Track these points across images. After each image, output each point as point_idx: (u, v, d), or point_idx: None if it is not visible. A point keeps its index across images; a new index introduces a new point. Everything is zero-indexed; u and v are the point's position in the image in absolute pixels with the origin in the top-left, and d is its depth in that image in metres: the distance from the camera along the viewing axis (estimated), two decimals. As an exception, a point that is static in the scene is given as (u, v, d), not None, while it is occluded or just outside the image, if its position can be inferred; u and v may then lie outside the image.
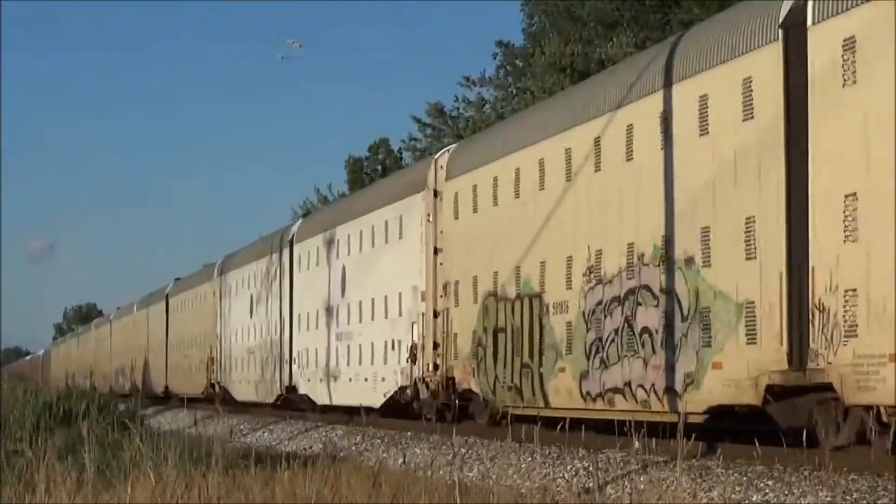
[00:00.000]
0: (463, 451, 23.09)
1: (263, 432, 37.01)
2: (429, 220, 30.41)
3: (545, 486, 18.13)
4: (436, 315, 30.01)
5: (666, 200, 20.23)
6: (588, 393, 22.52)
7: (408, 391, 31.02)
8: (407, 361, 31.01)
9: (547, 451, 21.32)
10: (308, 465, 15.40)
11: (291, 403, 42.35)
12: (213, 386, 53.71)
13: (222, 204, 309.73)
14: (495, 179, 26.93)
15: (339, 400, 37.00)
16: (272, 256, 45.62)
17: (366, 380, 34.49)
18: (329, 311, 38.40)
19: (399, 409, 31.75)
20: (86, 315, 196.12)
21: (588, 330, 22.58)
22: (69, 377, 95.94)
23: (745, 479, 16.54)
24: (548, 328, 24.13)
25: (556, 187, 24.21)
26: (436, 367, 29.76)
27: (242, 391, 49.31)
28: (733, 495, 16.03)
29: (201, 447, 16.06)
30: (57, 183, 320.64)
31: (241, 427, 38.96)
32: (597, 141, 22.60)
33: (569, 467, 20.17)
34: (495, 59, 60.38)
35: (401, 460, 22.48)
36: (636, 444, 18.73)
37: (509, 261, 25.97)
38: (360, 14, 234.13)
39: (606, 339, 21.95)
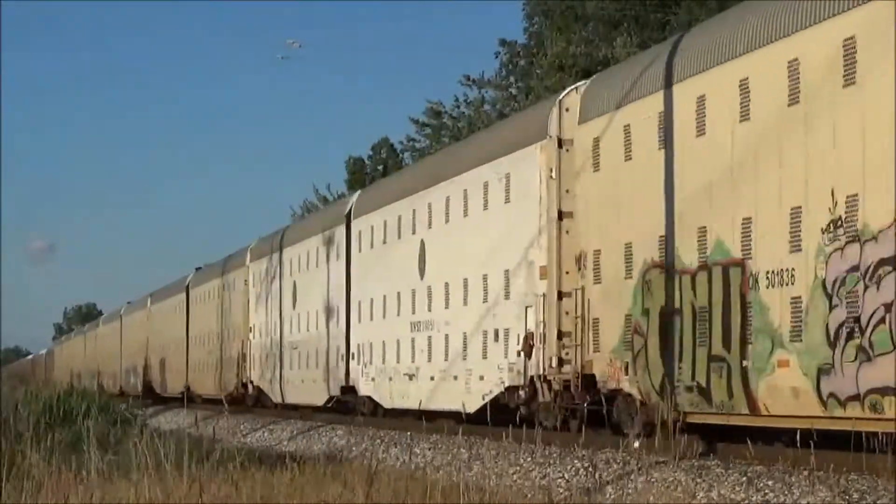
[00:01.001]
0: (463, 451, 23.08)
1: (263, 432, 37.00)
2: (551, 177, 24.07)
3: (545, 486, 18.15)
4: (561, 296, 23.82)
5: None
6: (833, 395, 16.67)
7: (520, 392, 25.13)
8: (518, 355, 24.94)
9: (547, 451, 21.33)
10: (308, 466, 15.42)
11: (347, 406, 36.96)
12: (244, 386, 48.62)
13: (222, 204, 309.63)
14: (660, 115, 20.77)
15: (415, 402, 29.94)
16: (323, 235, 39.77)
17: (455, 378, 28.48)
18: (401, 296, 32.38)
19: (503, 414, 25.31)
20: (86, 315, 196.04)
21: (833, 307, 16.68)
22: (74, 377, 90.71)
23: (744, 479, 16.55)
24: (757, 307, 18.17)
25: (771, 113, 18.06)
26: (561, 361, 23.65)
27: (285, 392, 43.39)
28: (733, 495, 16.05)
29: (202, 447, 16.09)
30: (58, 183, 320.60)
31: (242, 427, 38.96)
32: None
33: (569, 467, 20.17)
34: (497, 57, 60.39)
35: (401, 460, 22.51)
36: (636, 444, 18.76)
37: (687, 219, 19.94)
38: (361, 13, 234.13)
39: (869, 320, 16.08)
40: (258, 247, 48.79)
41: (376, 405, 34.45)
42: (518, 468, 20.51)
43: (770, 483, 16.10)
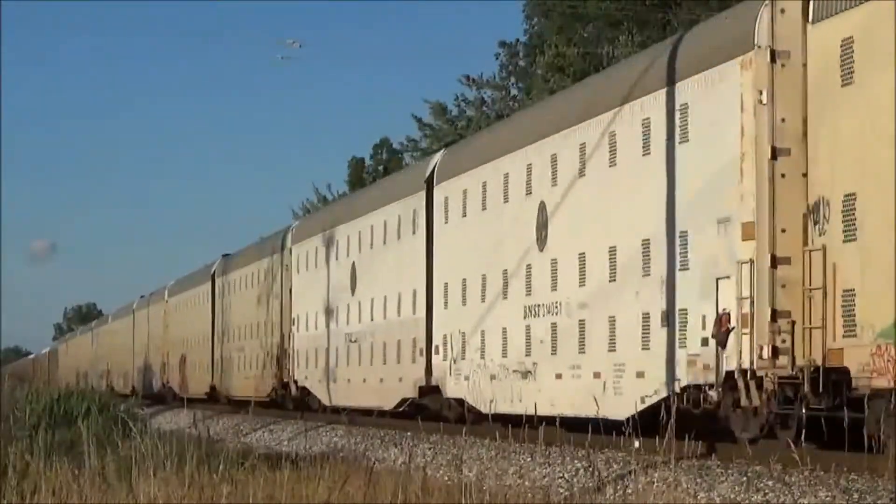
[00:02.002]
0: (463, 451, 23.05)
1: (263, 432, 36.97)
2: (760, 103, 18.34)
3: (545, 486, 18.14)
4: (775, 263, 18.08)
5: None
6: None
7: (710, 392, 19.36)
8: (704, 345, 19.27)
9: (547, 451, 21.31)
10: (308, 466, 15.41)
11: (426, 410, 30.52)
12: (285, 386, 42.82)
13: (222, 204, 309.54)
14: None
15: (530, 406, 22.96)
16: (394, 206, 33.46)
17: (597, 376, 22.53)
18: (510, 273, 26.29)
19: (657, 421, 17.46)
20: (85, 315, 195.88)
21: None
22: (80, 377, 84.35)
23: (745, 479, 16.54)
24: None
25: None
26: (776, 351, 17.90)
27: (339, 394, 37.03)
28: (733, 495, 16.04)
29: (202, 447, 16.08)
30: (58, 183, 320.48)
31: (241, 427, 38.93)
32: None
33: (569, 467, 20.16)
34: (497, 59, 60.36)
35: (401, 460, 22.49)
36: (636, 444, 18.74)
37: None
38: (361, 13, 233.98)
39: None
40: (303, 226, 43.69)
41: (468, 410, 28.05)
42: (518, 468, 20.50)
43: (770, 483, 16.10)
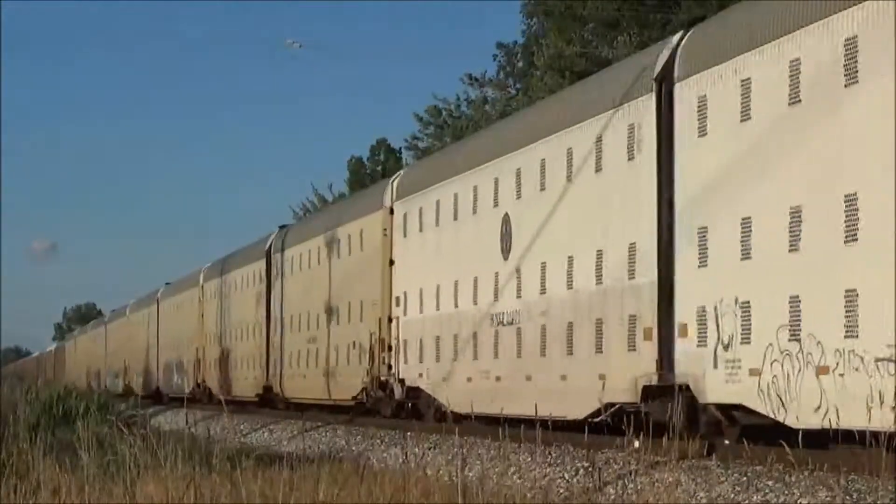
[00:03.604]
0: (463, 451, 23.05)
1: (263, 432, 36.96)
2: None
3: (545, 486, 18.14)
4: None
5: None
6: None
7: None
8: None
9: (547, 451, 21.30)
10: (308, 466, 15.41)
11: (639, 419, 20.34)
12: (382, 386, 33.58)
13: (222, 204, 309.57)
14: None
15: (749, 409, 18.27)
16: (586, 127, 23.80)
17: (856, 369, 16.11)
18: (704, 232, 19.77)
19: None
20: (85, 315, 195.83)
21: None
22: (91, 377, 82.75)
23: (745, 479, 16.54)
24: None
25: None
26: None
27: (480, 397, 26.11)
28: (733, 495, 16.04)
29: (201, 447, 16.08)
30: (59, 183, 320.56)
31: (241, 427, 38.92)
32: None
33: (569, 467, 20.16)
34: (495, 60, 60.39)
35: (401, 460, 22.49)
36: (636, 444, 18.74)
37: None
38: (361, 13, 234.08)
39: None
40: (410, 178, 34.31)
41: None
42: (518, 468, 20.49)
43: (770, 483, 16.10)
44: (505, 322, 26.58)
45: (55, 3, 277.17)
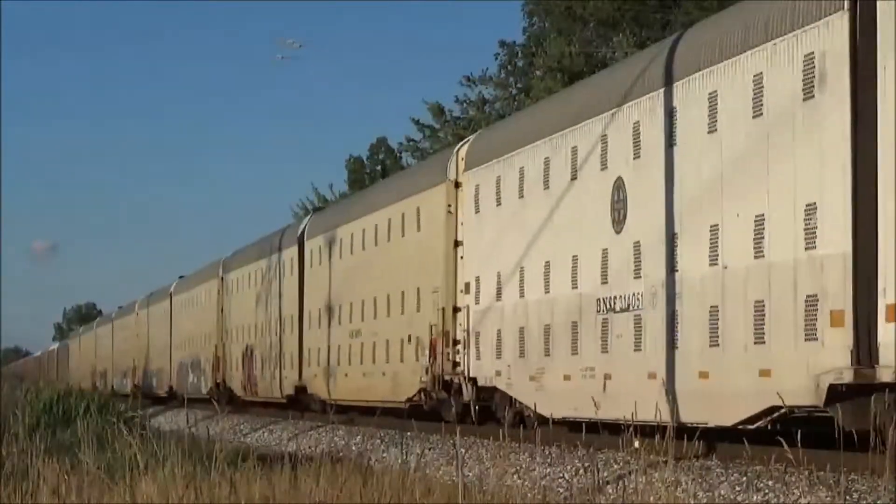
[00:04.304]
0: (463, 451, 23.05)
1: (263, 432, 36.95)
2: None
3: (545, 486, 18.14)
4: None
5: None
6: None
7: None
8: None
9: (547, 451, 21.30)
10: (308, 466, 15.41)
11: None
12: (446, 387, 28.73)
13: (222, 204, 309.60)
14: None
15: None
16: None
17: None
18: None
19: None
20: (85, 315, 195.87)
21: None
22: (97, 377, 79.61)
23: (745, 479, 16.54)
24: None
25: None
26: None
27: (613, 399, 21.03)
28: (733, 495, 16.04)
29: (202, 447, 16.09)
30: (59, 183, 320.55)
31: (241, 427, 38.91)
32: None
33: (569, 467, 20.16)
34: (497, 58, 60.38)
35: (401, 460, 22.49)
36: (636, 444, 18.74)
37: None
38: (361, 13, 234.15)
39: None
40: (483, 140, 29.72)
41: None
42: (518, 468, 20.49)
43: (770, 483, 16.10)
44: (618, 308, 21.89)
45: (55, 2, 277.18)
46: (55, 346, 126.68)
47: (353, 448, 28.12)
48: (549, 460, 20.83)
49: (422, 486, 14.07)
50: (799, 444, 15.73)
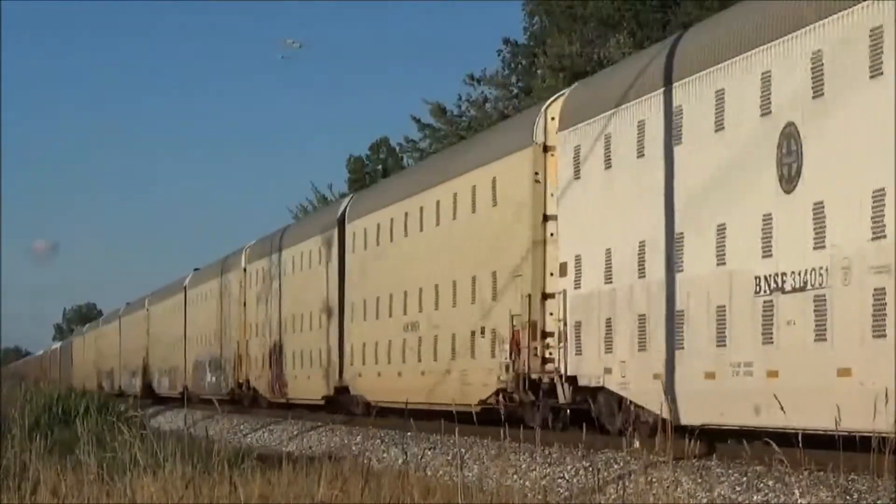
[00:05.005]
0: (463, 451, 23.04)
1: (263, 432, 36.92)
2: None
3: (545, 487, 18.13)
4: None
5: None
6: None
7: None
8: None
9: (547, 451, 21.29)
10: (308, 466, 15.41)
11: None
12: (534, 386, 24.37)
13: (222, 204, 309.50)
14: None
15: None
16: None
17: None
18: None
19: None
20: (85, 315, 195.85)
21: None
22: (103, 377, 77.11)
23: (745, 479, 16.53)
24: None
25: None
26: None
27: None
28: (733, 495, 16.03)
29: (201, 447, 16.08)
30: (59, 183, 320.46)
31: (241, 427, 38.88)
32: None
33: (569, 467, 20.14)
34: (499, 55, 60.35)
35: (401, 460, 22.48)
36: (636, 444, 18.73)
37: None
38: (361, 13, 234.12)
39: None
40: (583, 92, 25.20)
41: None
42: (518, 468, 20.48)
43: (770, 483, 16.08)
44: (787, 288, 17.78)
45: (54, 1, 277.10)
46: (57, 345, 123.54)
47: (354, 448, 28.10)
48: (549, 460, 20.81)
49: (422, 486, 14.06)
50: (800, 444, 15.78)
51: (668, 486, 16.31)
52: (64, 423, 24.58)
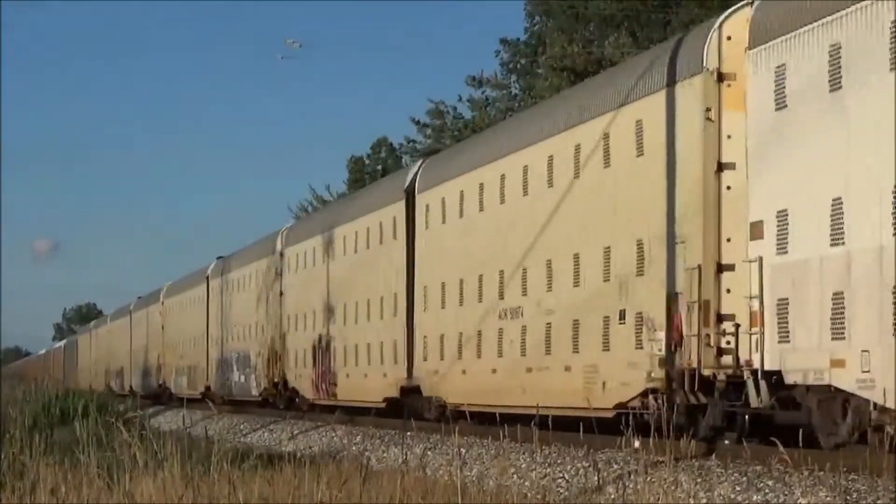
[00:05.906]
0: (463, 451, 23.03)
1: (263, 432, 36.91)
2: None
3: (545, 487, 18.13)
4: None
5: None
6: None
7: None
8: None
9: (547, 451, 21.28)
10: (308, 466, 15.41)
11: None
12: (708, 386, 18.88)
13: (221, 204, 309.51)
14: None
15: None
16: None
17: None
18: None
19: None
20: (85, 315, 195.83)
21: None
22: (110, 377, 73.96)
23: (745, 479, 16.52)
24: None
25: None
26: None
27: None
28: (733, 495, 16.02)
29: (201, 447, 16.08)
30: (60, 183, 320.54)
31: (241, 427, 38.87)
32: None
33: (569, 467, 20.13)
34: (497, 56, 60.38)
35: (401, 460, 22.48)
36: (636, 444, 18.71)
37: None
38: (361, 13, 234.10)
39: None
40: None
41: None
42: (518, 468, 20.47)
43: (770, 483, 16.08)
44: None
45: (54, 2, 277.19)
46: (61, 343, 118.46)
47: (354, 448, 28.09)
48: (549, 460, 20.79)
49: (421, 485, 14.05)
50: (800, 444, 15.77)
51: (668, 486, 16.31)
52: (63, 423, 24.56)
